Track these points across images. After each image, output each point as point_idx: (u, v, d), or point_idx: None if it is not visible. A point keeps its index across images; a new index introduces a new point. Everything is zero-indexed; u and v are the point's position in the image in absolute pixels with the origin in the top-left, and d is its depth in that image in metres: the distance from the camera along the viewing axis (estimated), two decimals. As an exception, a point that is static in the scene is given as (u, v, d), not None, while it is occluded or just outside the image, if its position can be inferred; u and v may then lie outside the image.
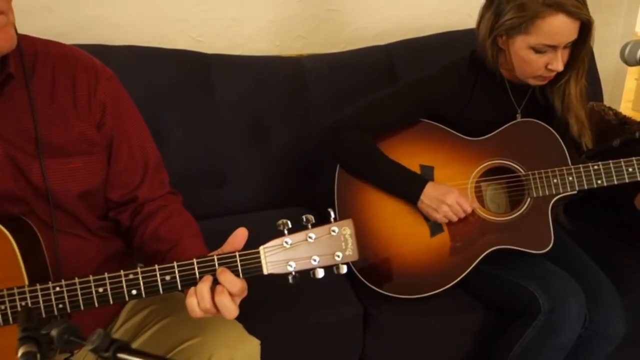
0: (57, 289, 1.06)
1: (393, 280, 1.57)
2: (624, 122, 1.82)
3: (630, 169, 1.48)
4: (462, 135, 1.61)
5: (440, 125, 1.63)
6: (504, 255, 1.57)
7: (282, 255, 1.06)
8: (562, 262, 1.59)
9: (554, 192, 1.54)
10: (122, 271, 1.07)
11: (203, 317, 1.05)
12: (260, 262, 1.06)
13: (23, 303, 1.05)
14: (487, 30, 1.53)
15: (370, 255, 1.58)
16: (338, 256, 1.07)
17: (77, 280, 1.06)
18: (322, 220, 1.07)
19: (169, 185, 1.35)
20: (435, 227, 1.59)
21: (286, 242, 1.06)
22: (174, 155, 1.84)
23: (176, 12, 2.16)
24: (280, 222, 1.06)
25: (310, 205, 1.86)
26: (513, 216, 1.57)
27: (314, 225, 1.07)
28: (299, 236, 1.06)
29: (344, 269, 1.08)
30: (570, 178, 1.52)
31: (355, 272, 1.57)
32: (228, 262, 1.06)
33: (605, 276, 1.58)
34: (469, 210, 1.54)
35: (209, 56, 1.99)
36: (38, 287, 1.05)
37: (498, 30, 1.50)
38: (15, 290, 1.04)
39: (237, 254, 1.06)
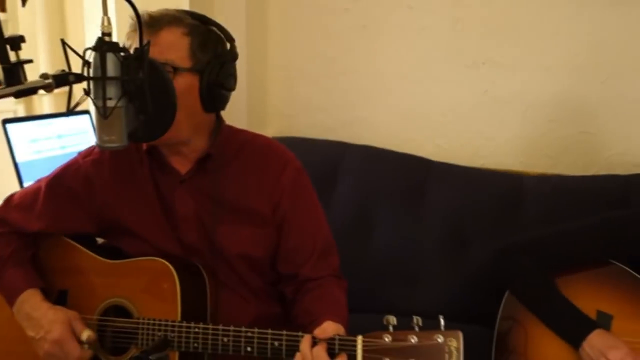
0: (196, 330, 1.28)
1: None
2: None
3: None
4: (655, 288, 1.38)
5: (632, 272, 1.42)
6: None
7: (380, 351, 1.09)
8: None
9: None
10: (243, 327, 1.25)
11: None
12: (355, 350, 1.12)
13: (170, 334, 1.29)
14: None
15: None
16: None
17: (210, 326, 1.27)
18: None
19: (337, 270, 1.46)
20: (599, 385, 1.37)
21: (387, 338, 1.09)
22: (375, 247, 1.99)
23: (425, 120, 2.35)
24: (386, 317, 1.11)
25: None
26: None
27: (421, 329, 1.08)
28: (401, 335, 1.09)
29: None
30: None
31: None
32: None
33: None
34: None
35: (430, 162, 2.11)
36: (183, 324, 1.29)
37: None
38: (162, 322, 1.29)
39: (336, 337, 1.15)
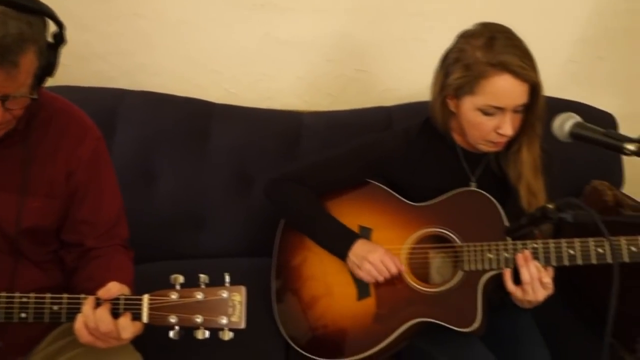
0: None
1: (318, 342, 1.52)
2: (620, 204, 1.64)
3: (571, 251, 1.33)
4: (405, 200, 1.56)
5: (386, 188, 1.58)
6: (440, 330, 1.46)
7: (166, 308, 1.10)
8: (509, 349, 1.45)
9: (487, 268, 1.42)
10: (17, 293, 1.16)
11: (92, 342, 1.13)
12: (140, 309, 1.11)
13: None
14: (436, 90, 1.49)
15: (300, 314, 1.55)
16: (223, 320, 1.09)
17: (-25, 294, 1.16)
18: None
19: (125, 240, 1.42)
20: (362, 290, 1.53)
21: (174, 295, 1.11)
22: (161, 194, 1.94)
23: (212, 64, 2.31)
24: (174, 277, 1.11)
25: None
26: (441, 289, 1.47)
27: (207, 286, 1.10)
28: (187, 293, 1.11)
29: (228, 335, 1.10)
30: (507, 254, 1.39)
31: (282, 330, 1.55)
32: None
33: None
34: (394, 270, 1.46)
35: (213, 105, 2.10)
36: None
37: (446, 90, 1.45)
38: None
39: (121, 297, 1.12)
